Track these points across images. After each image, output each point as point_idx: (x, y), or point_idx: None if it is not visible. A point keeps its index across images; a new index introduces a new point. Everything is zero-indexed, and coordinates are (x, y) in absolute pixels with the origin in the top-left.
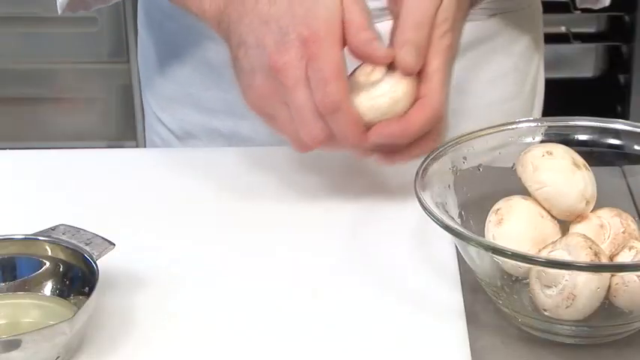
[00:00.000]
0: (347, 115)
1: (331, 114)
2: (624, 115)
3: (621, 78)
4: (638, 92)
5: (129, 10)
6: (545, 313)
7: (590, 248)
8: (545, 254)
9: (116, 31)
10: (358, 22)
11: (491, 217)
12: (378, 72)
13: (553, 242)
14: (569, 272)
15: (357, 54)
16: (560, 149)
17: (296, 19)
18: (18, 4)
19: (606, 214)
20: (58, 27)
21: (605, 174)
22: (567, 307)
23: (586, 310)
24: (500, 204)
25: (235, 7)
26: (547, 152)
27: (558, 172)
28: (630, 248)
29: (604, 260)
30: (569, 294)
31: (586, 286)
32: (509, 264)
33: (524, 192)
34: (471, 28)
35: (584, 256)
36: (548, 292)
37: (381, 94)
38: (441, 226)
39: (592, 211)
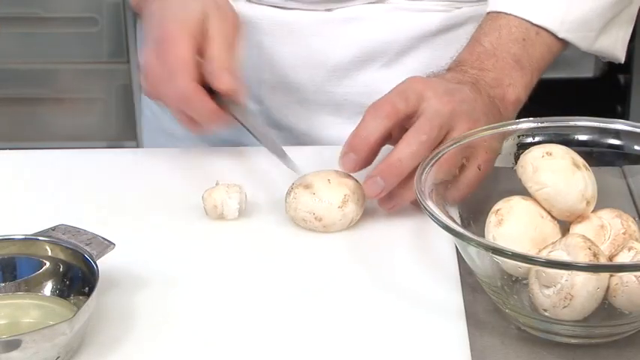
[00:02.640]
0: (198, 103)
1: (185, 104)
2: (624, 115)
3: (621, 78)
4: (638, 92)
5: (129, 10)
6: (545, 313)
7: (590, 249)
8: (544, 254)
9: (116, 31)
10: (214, 51)
11: (492, 218)
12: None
13: (553, 243)
14: (568, 272)
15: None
16: (559, 150)
17: (162, 20)
18: (18, 4)
19: (607, 215)
20: (58, 27)
21: (605, 174)
22: (564, 307)
23: (584, 311)
24: (500, 204)
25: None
26: (547, 153)
27: (558, 172)
28: (630, 249)
29: (603, 261)
30: (566, 294)
31: (584, 287)
32: (509, 264)
33: (524, 192)
34: (433, 19)
35: (582, 257)
36: (547, 292)
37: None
38: (442, 227)
39: (593, 212)
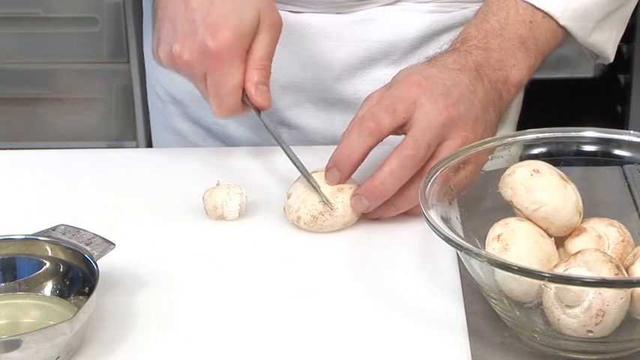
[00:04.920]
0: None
1: (226, 117)
2: (624, 115)
3: (621, 78)
4: (638, 92)
5: (129, 10)
6: (573, 334)
7: (611, 262)
8: (561, 272)
9: (116, 31)
10: (260, 54)
11: (494, 245)
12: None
13: (565, 261)
14: (596, 288)
15: (245, 88)
16: (544, 166)
17: (209, 19)
18: (18, 4)
19: (598, 225)
20: (58, 27)
21: (605, 174)
22: (597, 324)
23: (615, 324)
24: (499, 229)
25: None
26: (534, 171)
27: (552, 189)
28: None
29: (624, 271)
30: (598, 310)
31: (615, 301)
32: (518, 291)
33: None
34: (440, 19)
35: (607, 271)
36: (572, 311)
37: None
38: (451, 245)
39: (583, 223)
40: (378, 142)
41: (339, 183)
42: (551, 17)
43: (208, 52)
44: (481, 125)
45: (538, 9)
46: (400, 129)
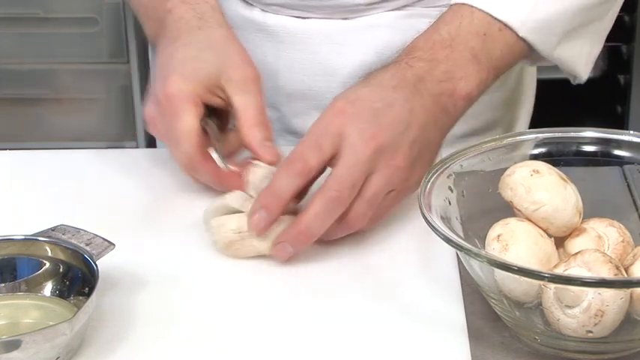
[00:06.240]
0: (204, 170)
1: (191, 171)
2: (624, 116)
3: (621, 78)
4: (638, 92)
5: (129, 10)
6: (572, 334)
7: (611, 262)
8: (561, 272)
9: (116, 31)
10: (251, 114)
11: (494, 245)
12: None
13: (565, 261)
14: (595, 288)
15: (250, 149)
16: (543, 166)
17: (169, 71)
18: (18, 4)
19: (598, 225)
20: (58, 27)
21: (605, 174)
22: (596, 324)
23: (615, 324)
24: (499, 229)
25: (162, 39)
26: (534, 171)
27: (552, 189)
28: None
29: (623, 272)
30: (597, 311)
31: (614, 301)
32: (518, 292)
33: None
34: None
35: (606, 271)
36: (571, 312)
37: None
38: (451, 245)
39: (583, 224)
40: (307, 181)
41: (266, 227)
42: (510, 29)
43: (160, 101)
44: (416, 147)
45: (496, 19)
46: (329, 162)
